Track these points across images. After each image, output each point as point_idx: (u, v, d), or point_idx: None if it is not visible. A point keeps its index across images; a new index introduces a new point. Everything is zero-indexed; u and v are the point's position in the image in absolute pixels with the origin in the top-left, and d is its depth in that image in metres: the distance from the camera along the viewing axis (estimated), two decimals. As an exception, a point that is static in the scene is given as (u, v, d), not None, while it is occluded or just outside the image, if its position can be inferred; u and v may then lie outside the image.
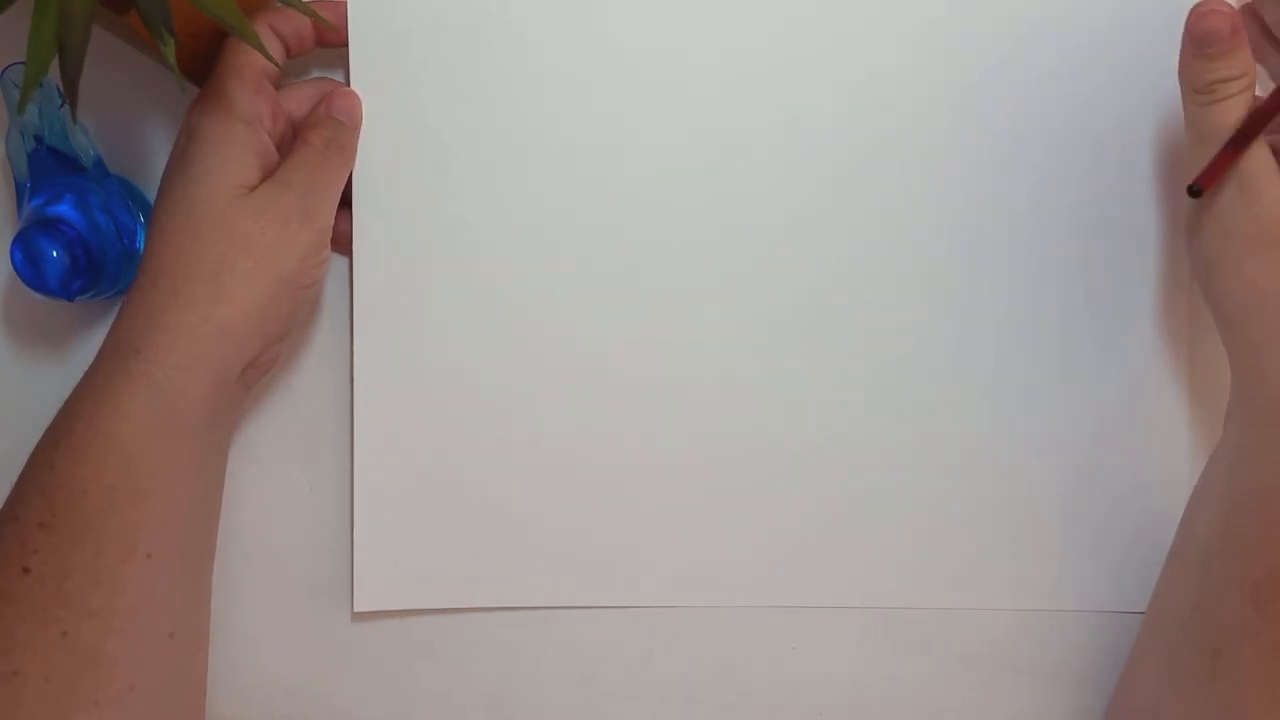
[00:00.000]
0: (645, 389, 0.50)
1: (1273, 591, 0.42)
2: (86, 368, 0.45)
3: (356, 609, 0.51)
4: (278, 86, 0.48)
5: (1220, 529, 0.44)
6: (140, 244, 0.49)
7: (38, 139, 0.48)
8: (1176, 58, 0.44)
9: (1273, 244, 0.43)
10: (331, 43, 0.49)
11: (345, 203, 0.49)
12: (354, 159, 0.48)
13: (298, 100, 0.48)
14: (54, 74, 0.46)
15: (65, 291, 0.47)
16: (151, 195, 0.50)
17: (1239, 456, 0.45)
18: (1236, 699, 0.42)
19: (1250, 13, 0.45)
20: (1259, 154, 0.43)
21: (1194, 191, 0.43)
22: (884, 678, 0.52)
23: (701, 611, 0.51)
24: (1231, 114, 0.43)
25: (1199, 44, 0.43)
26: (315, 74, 0.50)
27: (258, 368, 0.47)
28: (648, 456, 0.51)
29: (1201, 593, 0.44)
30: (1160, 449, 0.51)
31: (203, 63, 0.47)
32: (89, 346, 0.49)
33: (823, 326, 0.50)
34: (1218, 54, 0.43)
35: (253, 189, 0.45)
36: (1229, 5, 0.43)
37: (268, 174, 0.46)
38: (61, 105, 0.47)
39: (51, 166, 0.48)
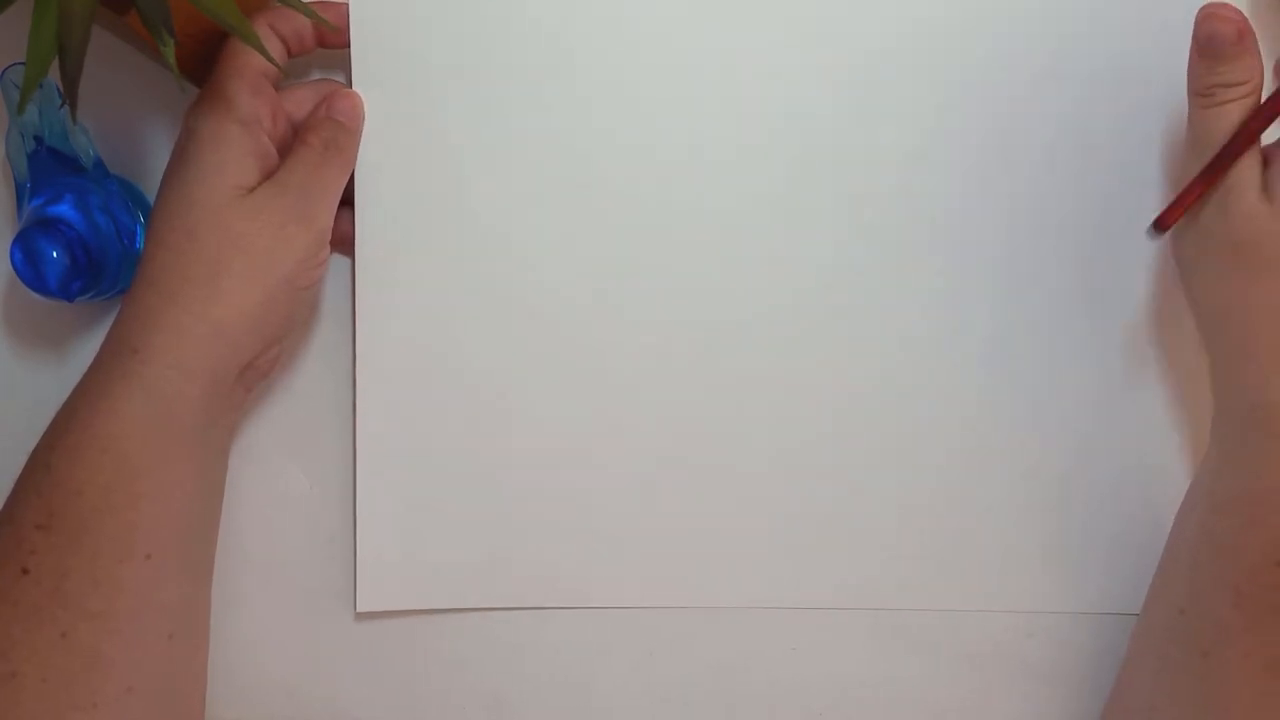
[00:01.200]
0: (648, 390, 0.50)
1: (1253, 593, 0.43)
2: (86, 368, 0.45)
3: (359, 609, 0.51)
4: (278, 87, 0.48)
5: (1204, 534, 0.45)
6: (140, 244, 0.49)
7: (38, 139, 0.48)
8: (1180, 60, 0.44)
9: (1245, 255, 0.43)
10: (333, 44, 0.49)
11: (347, 203, 0.49)
12: (354, 160, 0.48)
13: (298, 101, 0.48)
14: (54, 74, 0.46)
15: (65, 292, 0.47)
16: (151, 195, 0.50)
17: (1219, 463, 0.45)
18: (1224, 699, 0.43)
19: None
20: (1245, 163, 0.43)
21: (1158, 228, 0.42)
22: (883, 678, 0.52)
23: (701, 611, 0.51)
24: (1226, 120, 0.43)
25: (1202, 46, 0.43)
26: (316, 75, 0.50)
27: (258, 370, 0.47)
28: (649, 457, 0.51)
29: (1188, 596, 0.45)
30: (1159, 453, 0.51)
31: (203, 63, 0.46)
32: (89, 347, 0.49)
33: (822, 327, 0.50)
34: (1220, 58, 0.43)
35: (251, 190, 0.45)
36: (1236, 10, 0.43)
37: (267, 175, 0.45)
38: (61, 105, 0.47)
39: (51, 167, 0.48)
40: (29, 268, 0.46)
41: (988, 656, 0.51)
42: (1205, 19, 0.43)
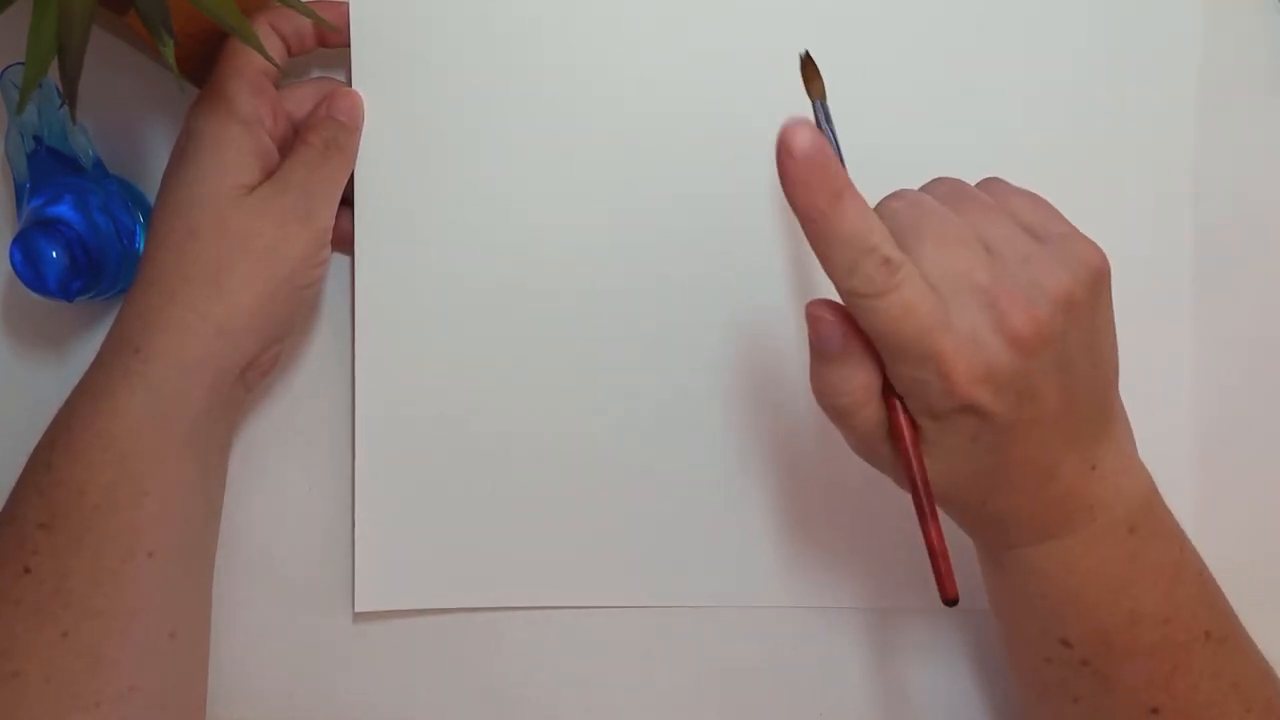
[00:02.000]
0: (648, 390, 0.50)
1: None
2: (86, 368, 0.45)
3: (358, 609, 0.51)
4: (278, 86, 0.48)
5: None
6: (140, 244, 0.49)
7: (37, 139, 0.48)
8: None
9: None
10: (333, 44, 0.49)
11: (347, 201, 0.49)
12: (354, 159, 0.48)
13: (298, 100, 0.48)
14: (54, 74, 0.46)
15: (65, 292, 0.47)
16: (151, 195, 0.50)
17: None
18: None
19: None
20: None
21: (952, 602, 0.39)
22: (883, 677, 0.52)
23: (701, 611, 0.51)
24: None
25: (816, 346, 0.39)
26: (316, 74, 0.51)
27: (258, 368, 0.47)
28: (648, 457, 0.51)
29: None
30: (1157, 452, 0.51)
31: (202, 63, 0.47)
32: (89, 347, 0.49)
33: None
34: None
35: (252, 189, 0.45)
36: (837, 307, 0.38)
37: (268, 174, 0.46)
38: (61, 105, 0.47)
39: (51, 167, 0.48)
40: (28, 268, 0.46)
41: (987, 656, 0.51)
42: (813, 322, 0.38)
